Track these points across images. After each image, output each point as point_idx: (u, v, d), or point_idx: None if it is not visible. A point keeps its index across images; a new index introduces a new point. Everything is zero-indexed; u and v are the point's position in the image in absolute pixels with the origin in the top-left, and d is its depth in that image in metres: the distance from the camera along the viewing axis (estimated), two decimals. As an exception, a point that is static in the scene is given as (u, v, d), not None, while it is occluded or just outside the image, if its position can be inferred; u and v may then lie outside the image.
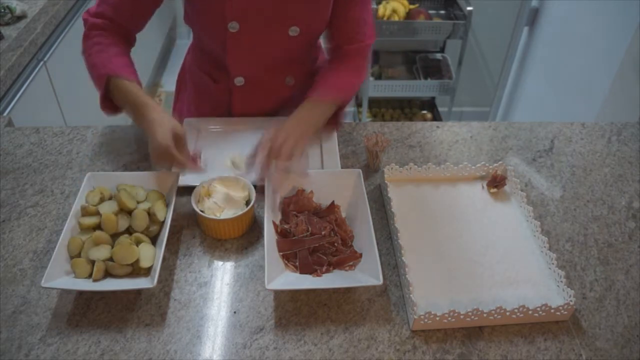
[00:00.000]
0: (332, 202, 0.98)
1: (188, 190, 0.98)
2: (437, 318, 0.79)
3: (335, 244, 0.89)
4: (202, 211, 0.92)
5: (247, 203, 0.96)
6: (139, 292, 0.86)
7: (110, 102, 1.02)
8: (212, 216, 0.91)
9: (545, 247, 0.91)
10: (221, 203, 0.94)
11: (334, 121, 1.10)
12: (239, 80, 1.14)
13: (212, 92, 1.20)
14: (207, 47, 1.14)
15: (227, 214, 0.92)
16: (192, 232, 0.96)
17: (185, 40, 3.76)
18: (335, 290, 0.86)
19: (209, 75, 1.19)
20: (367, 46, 1.11)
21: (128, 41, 1.10)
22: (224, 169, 1.08)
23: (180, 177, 0.99)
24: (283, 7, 1.01)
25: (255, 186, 0.98)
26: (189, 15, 1.09)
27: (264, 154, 0.95)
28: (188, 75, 1.27)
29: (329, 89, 1.06)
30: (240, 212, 0.92)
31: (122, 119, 1.13)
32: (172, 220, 0.95)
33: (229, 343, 0.79)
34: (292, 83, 1.20)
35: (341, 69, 1.10)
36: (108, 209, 0.90)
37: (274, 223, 0.92)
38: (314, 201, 0.98)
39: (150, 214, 0.91)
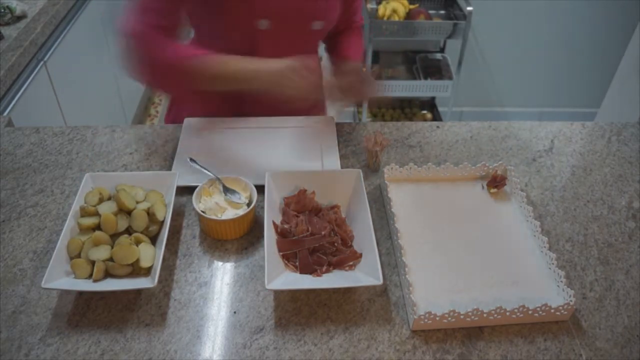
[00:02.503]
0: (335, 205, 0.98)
1: (187, 190, 0.98)
2: (437, 318, 0.79)
3: (335, 244, 0.89)
4: (203, 212, 0.92)
5: (249, 204, 0.96)
6: (139, 292, 0.86)
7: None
8: (213, 217, 0.91)
9: (545, 247, 0.91)
10: (222, 203, 0.94)
11: None
12: None
13: (224, 92, 1.19)
14: (226, 47, 1.10)
15: (229, 214, 0.92)
16: (192, 232, 0.96)
17: (185, 40, 3.76)
18: (335, 290, 0.86)
19: None
20: (362, 26, 1.29)
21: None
22: (224, 169, 1.08)
23: (180, 177, 0.99)
24: (309, 1, 1.05)
25: (256, 186, 0.98)
26: (205, 14, 1.07)
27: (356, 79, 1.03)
28: None
29: (356, 50, 1.22)
30: (241, 213, 0.92)
31: (122, 119, 1.13)
32: (172, 220, 0.95)
33: (229, 343, 0.79)
34: None
35: (355, 42, 1.24)
36: (107, 209, 0.90)
37: (274, 223, 0.92)
38: (315, 201, 0.98)
39: (150, 214, 0.91)
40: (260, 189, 0.98)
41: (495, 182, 1.04)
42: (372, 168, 1.10)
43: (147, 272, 0.85)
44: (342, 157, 1.14)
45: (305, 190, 0.98)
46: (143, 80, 1.05)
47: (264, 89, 0.97)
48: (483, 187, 1.06)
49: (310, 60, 0.96)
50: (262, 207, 0.95)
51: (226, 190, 0.97)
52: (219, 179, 0.98)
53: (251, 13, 1.02)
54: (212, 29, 1.12)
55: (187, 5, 1.04)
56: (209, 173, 1.00)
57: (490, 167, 1.07)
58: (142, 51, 1.00)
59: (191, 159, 1.06)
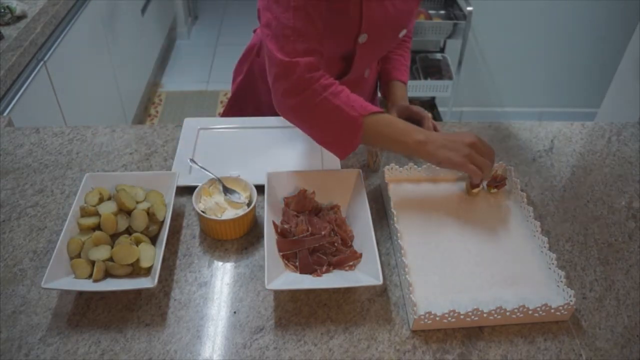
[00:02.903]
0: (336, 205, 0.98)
1: (187, 190, 0.99)
2: (437, 318, 0.79)
3: (335, 244, 0.89)
4: (203, 212, 0.92)
5: (249, 204, 0.96)
6: (139, 292, 0.86)
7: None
8: (213, 217, 0.91)
9: (545, 247, 0.91)
10: (222, 203, 0.94)
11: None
12: None
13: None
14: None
15: (229, 214, 0.92)
16: (192, 232, 0.96)
17: (185, 41, 3.77)
18: (335, 290, 0.86)
19: None
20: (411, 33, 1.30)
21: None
22: (225, 169, 1.08)
23: (180, 177, 0.99)
24: (401, 13, 1.05)
25: (256, 186, 0.98)
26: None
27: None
28: (249, 89, 1.28)
29: (407, 71, 1.26)
30: (241, 213, 0.92)
31: (122, 119, 1.13)
32: (172, 220, 0.95)
33: (229, 343, 0.79)
34: (368, 75, 1.23)
35: (407, 54, 1.28)
36: (107, 209, 0.90)
37: (274, 223, 0.92)
38: (315, 201, 0.98)
39: (150, 214, 0.91)
40: (260, 189, 0.98)
41: (495, 182, 1.04)
42: (372, 168, 1.10)
43: (147, 272, 0.85)
44: (342, 157, 1.14)
45: (306, 191, 0.98)
46: (297, 120, 0.95)
47: (428, 159, 0.93)
48: (483, 187, 1.05)
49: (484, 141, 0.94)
50: (262, 207, 0.95)
51: (226, 190, 0.97)
52: (219, 179, 0.98)
53: (356, 28, 1.00)
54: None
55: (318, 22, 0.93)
56: (209, 173, 1.00)
57: (490, 167, 1.07)
58: (309, 89, 0.89)
59: (191, 160, 1.06)
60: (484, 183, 1.05)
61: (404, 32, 1.11)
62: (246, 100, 1.31)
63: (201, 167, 1.03)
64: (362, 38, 1.02)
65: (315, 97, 0.89)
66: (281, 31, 0.88)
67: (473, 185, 1.03)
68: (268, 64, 0.92)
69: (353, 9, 0.97)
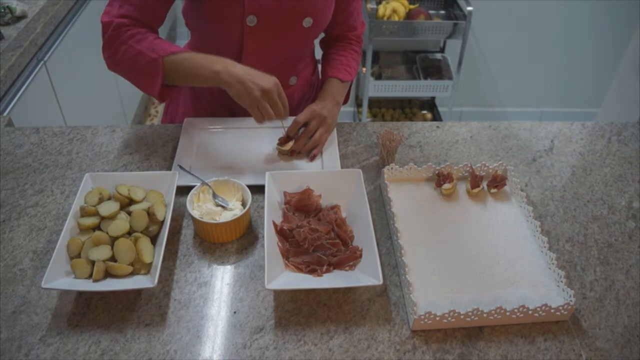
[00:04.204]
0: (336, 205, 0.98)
1: (187, 189, 0.98)
2: (437, 318, 0.79)
3: (335, 244, 0.89)
4: (200, 217, 0.91)
5: (243, 205, 0.95)
6: (139, 292, 0.86)
7: (164, 86, 1.03)
8: (209, 220, 0.91)
9: (545, 247, 0.91)
10: (217, 207, 0.94)
11: (346, 98, 1.26)
12: None
13: (215, 93, 1.20)
14: (217, 46, 1.11)
15: (225, 217, 0.92)
16: (192, 232, 0.96)
17: (185, 41, 3.76)
18: (335, 290, 0.86)
19: None
20: (362, 33, 1.28)
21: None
22: (224, 169, 1.08)
23: (180, 177, 0.99)
24: None
25: (256, 186, 0.98)
26: (197, 13, 1.07)
27: (303, 137, 1.09)
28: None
29: (347, 70, 1.21)
30: (239, 214, 0.92)
31: (122, 119, 1.13)
32: (172, 220, 0.95)
33: (229, 343, 0.79)
34: (294, 83, 1.22)
35: (349, 53, 1.24)
36: (107, 209, 0.90)
37: (274, 223, 0.92)
38: (316, 201, 0.98)
39: (150, 214, 0.91)
40: (260, 189, 0.98)
41: (495, 182, 1.04)
42: (387, 163, 1.10)
43: (148, 270, 0.85)
44: (342, 157, 1.14)
45: (312, 190, 0.97)
46: (117, 71, 1.06)
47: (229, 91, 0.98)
48: (483, 187, 1.05)
49: (279, 83, 0.98)
50: (262, 207, 0.95)
51: (215, 196, 0.96)
52: (208, 185, 0.97)
53: (239, 9, 1.01)
54: (202, 27, 1.12)
55: (169, 3, 1.06)
56: (198, 178, 0.99)
57: (490, 167, 1.07)
58: (113, 43, 1.01)
59: (180, 166, 1.05)
60: (484, 183, 1.06)
61: (308, 20, 1.08)
62: (178, 105, 1.30)
63: (189, 172, 1.03)
64: (251, 21, 1.03)
65: (121, 45, 1.00)
66: (112, 1, 1.03)
67: (473, 185, 1.03)
68: (102, 32, 1.03)
69: None
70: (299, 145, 1.10)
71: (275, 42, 1.11)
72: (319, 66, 1.32)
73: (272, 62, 1.14)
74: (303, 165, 1.10)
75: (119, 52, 1.01)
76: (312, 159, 1.11)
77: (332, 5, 1.12)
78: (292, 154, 1.12)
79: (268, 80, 0.96)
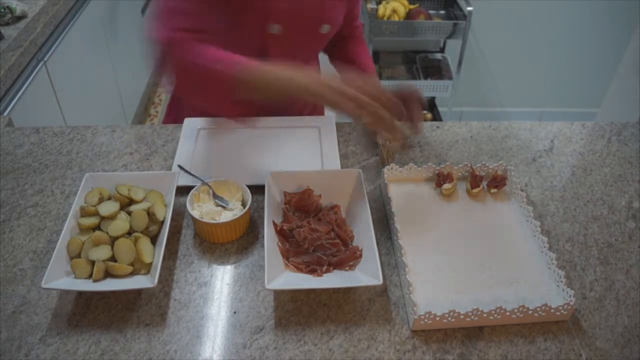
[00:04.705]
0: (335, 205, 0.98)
1: (187, 189, 0.98)
2: (437, 318, 0.79)
3: (335, 244, 0.89)
4: (200, 217, 0.91)
5: (243, 205, 0.95)
6: (139, 292, 0.86)
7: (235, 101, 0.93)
8: (209, 220, 0.91)
9: (545, 247, 0.91)
10: (217, 207, 0.94)
11: None
12: None
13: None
14: (238, 52, 1.03)
15: (225, 217, 0.92)
16: (192, 231, 0.96)
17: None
18: (335, 290, 0.86)
19: None
20: (362, 32, 1.32)
21: None
22: (224, 169, 1.08)
23: (180, 177, 0.99)
24: (319, 5, 1.05)
25: (256, 186, 0.98)
26: (219, 19, 1.02)
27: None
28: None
29: (371, 63, 1.27)
30: (239, 214, 0.92)
31: (122, 119, 1.13)
32: (172, 220, 0.95)
33: (229, 343, 0.79)
34: None
35: (365, 52, 1.29)
36: (107, 209, 0.90)
37: (274, 223, 0.92)
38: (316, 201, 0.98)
39: (150, 214, 0.91)
40: (260, 189, 0.98)
41: (495, 182, 1.04)
42: (387, 163, 1.10)
43: (148, 270, 0.85)
44: (342, 157, 1.14)
45: (312, 191, 0.97)
46: (180, 90, 0.97)
47: (315, 100, 0.89)
48: (483, 187, 1.05)
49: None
50: (262, 207, 0.95)
51: (215, 196, 0.96)
52: (208, 185, 0.97)
53: (264, 17, 1.01)
54: (224, 32, 1.07)
55: (212, 6, 0.97)
56: (198, 178, 0.99)
57: (490, 167, 1.07)
58: (177, 57, 0.90)
59: (180, 166, 1.05)
60: (484, 183, 1.06)
61: (326, 27, 1.09)
62: (182, 106, 1.29)
63: (189, 172, 1.03)
64: (274, 29, 1.02)
65: (188, 64, 0.90)
66: (160, 13, 0.91)
67: (473, 185, 1.03)
68: (154, 51, 0.92)
69: None
70: (420, 118, 0.97)
71: (295, 49, 1.13)
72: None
73: None
74: (303, 166, 1.10)
75: (187, 71, 0.91)
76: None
77: (343, 10, 1.14)
78: (417, 131, 0.98)
79: (372, 81, 0.86)
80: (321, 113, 1.37)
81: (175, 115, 1.31)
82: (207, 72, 0.89)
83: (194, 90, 0.96)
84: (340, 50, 1.30)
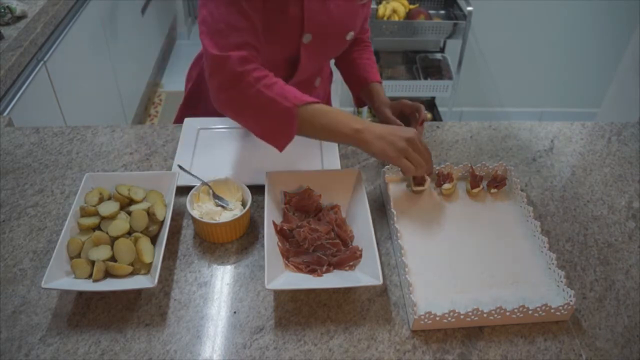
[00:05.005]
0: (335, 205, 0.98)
1: (187, 189, 0.98)
2: (437, 318, 0.79)
3: (335, 244, 0.89)
4: (200, 217, 0.91)
5: (243, 205, 0.95)
6: (139, 292, 0.86)
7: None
8: (209, 220, 0.91)
9: (545, 247, 0.91)
10: (217, 207, 0.94)
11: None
12: None
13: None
14: (268, 60, 1.03)
15: (225, 217, 0.92)
16: (192, 232, 0.96)
17: (185, 41, 3.76)
18: (335, 290, 0.86)
19: None
20: (369, 30, 1.32)
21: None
22: (224, 169, 1.08)
23: (180, 177, 0.99)
24: (345, 13, 1.06)
25: (256, 186, 0.98)
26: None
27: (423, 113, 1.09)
28: (204, 91, 1.24)
29: (377, 73, 1.27)
30: (239, 214, 0.92)
31: (122, 119, 1.13)
32: (172, 220, 0.95)
33: (229, 343, 0.79)
34: (319, 84, 1.25)
35: (371, 55, 1.28)
36: (107, 209, 0.90)
37: (274, 223, 0.92)
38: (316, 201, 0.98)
39: (150, 214, 0.91)
40: (260, 189, 0.98)
41: (495, 182, 1.04)
42: (387, 163, 1.10)
43: (148, 270, 0.85)
44: (342, 157, 1.14)
45: (312, 191, 0.97)
46: (235, 116, 0.94)
47: (370, 152, 0.91)
48: (483, 187, 1.05)
49: (419, 135, 0.93)
50: (262, 207, 0.95)
51: (215, 196, 0.96)
52: (208, 185, 0.97)
53: (298, 28, 1.01)
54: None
55: (257, 19, 0.93)
56: (198, 178, 0.99)
57: (490, 167, 1.07)
58: (239, 83, 0.88)
59: (180, 166, 1.05)
60: (484, 183, 1.06)
61: (351, 34, 1.10)
62: (197, 107, 1.29)
63: (189, 172, 1.03)
64: (307, 38, 1.02)
65: (248, 89, 0.88)
66: (215, 26, 0.89)
67: (473, 185, 1.03)
68: (204, 61, 0.92)
69: (293, 8, 0.97)
70: (419, 132, 1.04)
71: (321, 56, 1.14)
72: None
73: (313, 71, 1.18)
74: (303, 166, 1.10)
75: (246, 95, 0.88)
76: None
77: (363, 16, 1.15)
78: None
79: (409, 131, 0.91)
80: None
81: (189, 116, 1.30)
82: (270, 103, 0.88)
83: (252, 120, 0.93)
84: (346, 53, 1.28)
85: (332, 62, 1.32)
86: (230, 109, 0.92)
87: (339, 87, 2.87)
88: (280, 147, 0.93)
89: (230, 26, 0.89)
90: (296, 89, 0.92)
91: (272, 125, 0.91)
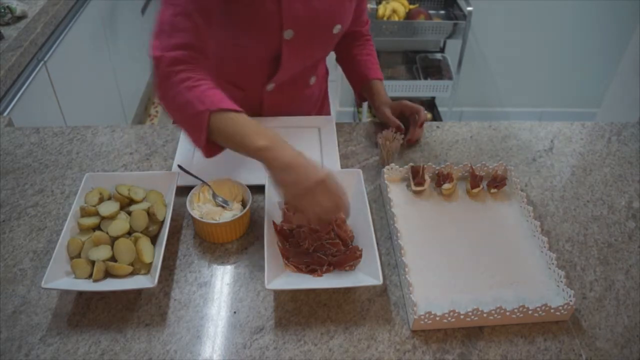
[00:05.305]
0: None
1: (188, 189, 0.98)
2: (437, 318, 0.79)
3: (335, 244, 0.89)
4: (201, 217, 0.91)
5: (243, 205, 0.95)
6: (139, 292, 0.86)
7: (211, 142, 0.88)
8: (209, 220, 0.91)
9: (545, 247, 0.91)
10: (217, 207, 0.94)
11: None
12: (270, 87, 1.16)
13: (237, 101, 1.16)
14: (249, 57, 1.08)
15: (225, 217, 0.92)
16: (192, 232, 0.96)
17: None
18: (335, 290, 0.86)
19: (234, 85, 1.16)
20: (369, 28, 1.31)
21: (211, 71, 0.94)
22: (224, 168, 1.08)
23: (180, 177, 0.99)
24: (330, 7, 1.05)
25: (256, 186, 0.98)
26: (228, 26, 1.01)
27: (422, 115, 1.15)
28: None
29: (379, 69, 1.26)
30: (239, 214, 0.91)
31: (122, 119, 1.13)
32: (172, 220, 0.95)
33: (229, 343, 0.79)
34: (314, 82, 1.24)
35: (372, 51, 1.27)
36: (107, 209, 0.90)
37: (274, 223, 0.92)
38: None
39: (150, 214, 0.91)
40: (260, 189, 0.98)
41: (495, 182, 1.04)
42: (386, 163, 1.10)
43: (148, 270, 0.85)
44: (342, 157, 1.14)
45: None
46: (167, 112, 0.95)
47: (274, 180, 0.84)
48: (483, 187, 1.05)
49: (334, 177, 0.83)
50: (262, 207, 0.95)
51: (215, 196, 0.96)
52: (208, 185, 0.97)
53: (277, 24, 1.01)
54: (236, 39, 1.06)
55: (215, 20, 0.95)
56: (198, 178, 0.99)
57: (490, 167, 1.07)
58: (164, 83, 0.89)
59: (180, 166, 1.05)
60: (484, 183, 1.06)
61: (338, 27, 1.09)
62: None
63: (189, 172, 1.03)
64: (288, 34, 1.02)
65: (171, 90, 0.88)
66: (160, 27, 0.90)
67: (473, 185, 1.03)
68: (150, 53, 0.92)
69: (270, 4, 0.97)
70: (418, 134, 1.16)
71: (308, 51, 1.12)
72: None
73: (300, 68, 1.16)
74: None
75: (169, 95, 0.89)
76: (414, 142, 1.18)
77: (353, 7, 1.13)
78: (410, 142, 1.18)
79: (321, 171, 0.81)
80: (325, 112, 1.38)
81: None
82: (186, 105, 0.86)
83: (175, 118, 0.94)
84: (347, 49, 1.28)
85: (331, 60, 1.32)
86: (164, 107, 0.92)
87: (338, 87, 2.87)
88: (204, 152, 0.88)
89: (172, 27, 0.89)
90: (224, 94, 0.88)
91: (188, 127, 0.89)
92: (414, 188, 1.03)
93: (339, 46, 1.29)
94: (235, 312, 0.83)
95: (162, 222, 0.92)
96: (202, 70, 0.91)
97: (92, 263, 0.84)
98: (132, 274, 0.85)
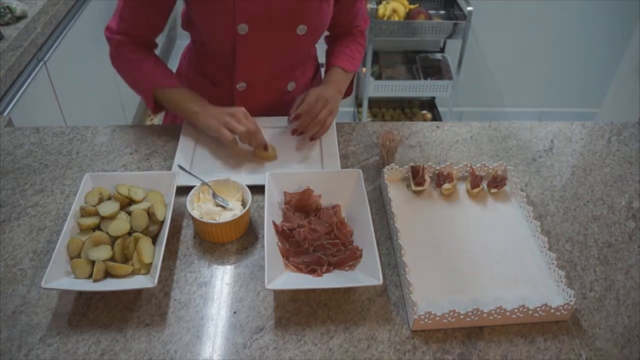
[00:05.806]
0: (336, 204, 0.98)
1: (188, 189, 0.98)
2: (437, 318, 0.79)
3: (335, 244, 0.89)
4: (201, 217, 0.91)
5: (243, 205, 0.95)
6: (139, 292, 0.86)
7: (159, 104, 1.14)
8: (209, 220, 0.91)
9: (545, 247, 0.91)
10: (217, 207, 0.94)
11: (349, 89, 1.27)
12: (240, 86, 1.16)
13: (211, 96, 1.19)
14: (211, 52, 1.14)
15: (225, 217, 0.92)
16: (192, 231, 0.96)
17: (185, 41, 3.76)
18: (335, 290, 0.86)
19: (208, 79, 1.19)
20: (365, 29, 1.29)
21: (153, 47, 1.15)
22: (224, 169, 1.08)
23: (180, 177, 0.99)
24: (291, 5, 1.03)
25: (256, 186, 0.98)
26: (191, 19, 1.09)
27: (307, 117, 1.11)
28: (184, 80, 1.26)
29: (351, 61, 1.21)
30: (239, 214, 0.91)
31: (122, 119, 1.15)
32: (172, 220, 0.95)
33: (229, 343, 0.79)
34: (293, 89, 1.23)
35: (354, 45, 1.24)
36: (107, 209, 0.90)
37: (274, 223, 0.92)
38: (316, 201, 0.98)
39: (150, 214, 0.91)
40: (260, 189, 0.98)
41: (495, 182, 1.04)
42: (386, 163, 1.10)
43: (147, 270, 0.85)
44: (342, 157, 1.14)
45: (312, 191, 0.97)
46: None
47: (205, 130, 1.09)
48: (483, 187, 1.05)
49: (245, 110, 1.06)
50: (262, 207, 0.95)
51: (215, 196, 0.96)
52: (208, 185, 0.97)
53: (230, 17, 1.01)
54: (196, 33, 1.12)
55: (166, 14, 1.09)
56: (198, 178, 0.99)
57: (490, 167, 1.07)
58: (116, 61, 1.11)
59: (180, 166, 1.05)
60: (484, 183, 1.06)
61: (302, 28, 1.06)
62: None
63: (189, 172, 1.03)
64: (242, 29, 1.03)
65: (122, 66, 1.12)
66: (115, 10, 1.08)
67: (473, 185, 1.03)
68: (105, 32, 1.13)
69: None
70: (303, 124, 1.12)
71: (269, 50, 1.10)
72: (322, 70, 1.32)
73: (267, 69, 1.15)
74: (303, 166, 1.10)
75: (122, 72, 1.12)
76: (312, 139, 1.14)
77: (328, 10, 1.10)
78: (294, 133, 1.14)
79: (237, 108, 1.06)
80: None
81: (173, 115, 1.31)
82: (134, 81, 1.12)
83: (128, 86, 1.14)
84: (333, 44, 1.26)
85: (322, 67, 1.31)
86: (121, 76, 1.14)
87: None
88: (152, 112, 1.14)
89: (121, 15, 1.07)
90: (169, 69, 1.13)
91: (141, 96, 1.13)
92: (414, 188, 1.03)
93: (328, 43, 1.28)
94: (235, 312, 0.83)
95: (162, 222, 0.92)
96: (145, 50, 1.12)
97: (92, 263, 0.84)
98: (132, 274, 0.85)
